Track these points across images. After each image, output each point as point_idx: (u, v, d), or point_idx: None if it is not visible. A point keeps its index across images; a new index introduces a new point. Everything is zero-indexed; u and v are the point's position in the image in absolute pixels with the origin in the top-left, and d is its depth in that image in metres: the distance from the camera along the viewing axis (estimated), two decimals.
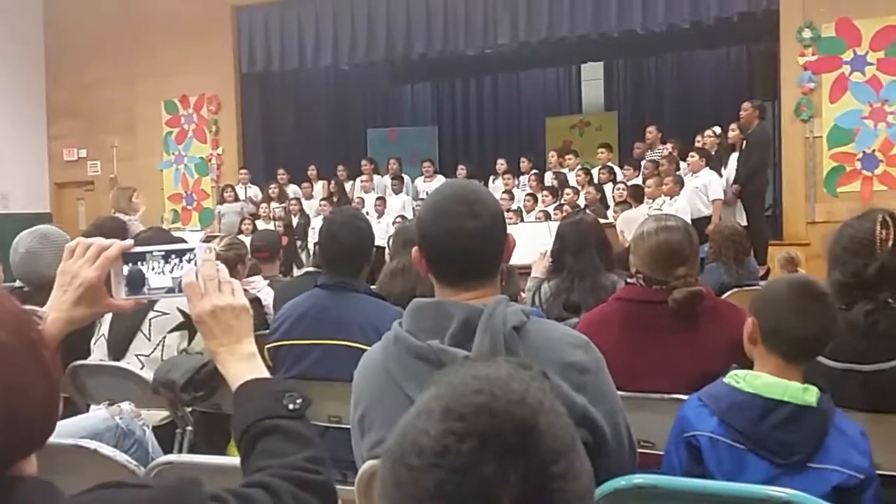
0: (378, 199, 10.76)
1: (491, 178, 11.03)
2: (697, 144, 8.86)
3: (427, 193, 9.11)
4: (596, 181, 9.67)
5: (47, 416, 0.97)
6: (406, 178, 11.50)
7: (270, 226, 9.93)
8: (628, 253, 2.64)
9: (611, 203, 9.13)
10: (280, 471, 1.13)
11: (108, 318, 3.13)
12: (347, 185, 11.67)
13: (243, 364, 1.30)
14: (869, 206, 2.99)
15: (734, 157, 8.50)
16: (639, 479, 1.55)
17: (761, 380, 1.79)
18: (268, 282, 4.45)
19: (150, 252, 1.40)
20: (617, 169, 10.08)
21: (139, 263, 1.40)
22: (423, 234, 1.63)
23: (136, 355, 3.10)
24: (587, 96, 14.64)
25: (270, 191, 11.35)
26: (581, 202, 9.27)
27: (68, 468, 1.73)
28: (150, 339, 3.11)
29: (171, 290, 1.39)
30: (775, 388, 1.76)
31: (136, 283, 1.40)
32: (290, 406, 1.22)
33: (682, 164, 9.06)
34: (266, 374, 1.31)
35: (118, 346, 3.13)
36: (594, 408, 1.51)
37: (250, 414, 1.22)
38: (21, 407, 0.91)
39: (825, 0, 9.01)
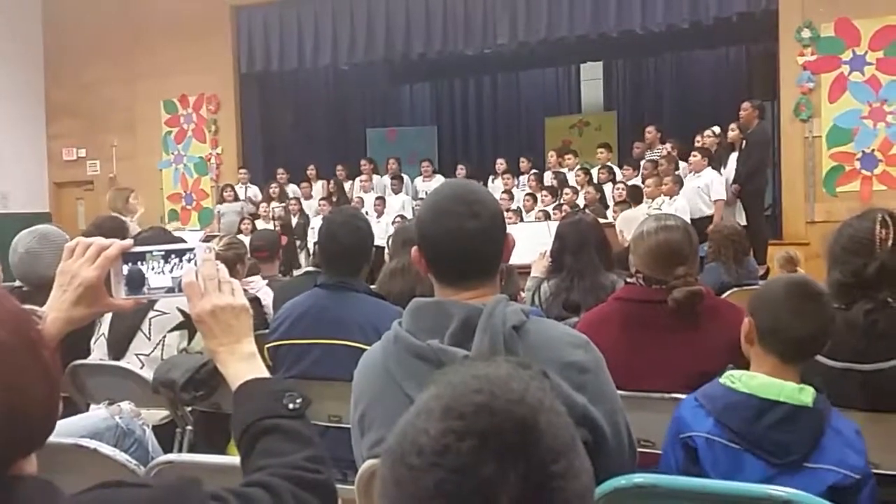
0: (377, 198, 10.77)
1: (490, 177, 11.04)
2: (697, 144, 8.87)
3: (426, 193, 9.12)
4: (595, 181, 9.67)
5: (47, 415, 0.97)
6: (405, 177, 11.51)
7: (270, 226, 9.93)
8: (628, 252, 2.64)
9: (610, 203, 9.14)
10: (280, 470, 1.13)
11: (107, 317, 3.13)
12: (347, 185, 11.67)
13: (243, 364, 1.30)
14: (868, 205, 2.99)
15: (733, 156, 8.51)
16: (639, 478, 1.55)
17: (757, 380, 1.80)
18: (266, 282, 4.45)
19: (150, 252, 1.40)
20: (616, 169, 10.08)
21: (139, 263, 1.40)
22: (423, 233, 1.63)
23: (136, 355, 3.10)
24: (586, 96, 14.64)
25: (271, 190, 11.35)
26: (580, 202, 9.27)
27: (68, 467, 1.73)
28: (149, 339, 3.11)
29: (170, 290, 1.39)
30: (771, 388, 1.76)
31: (135, 282, 1.40)
32: (290, 405, 1.22)
33: (682, 164, 9.09)
34: (266, 373, 1.31)
35: (118, 346, 3.13)
36: (594, 407, 1.51)
37: (250, 413, 1.22)
38: (21, 406, 0.91)
39: (824, 0, 9.01)
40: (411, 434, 0.77)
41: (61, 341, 1.36)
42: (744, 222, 7.82)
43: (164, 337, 3.11)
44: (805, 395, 1.75)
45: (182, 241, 2.70)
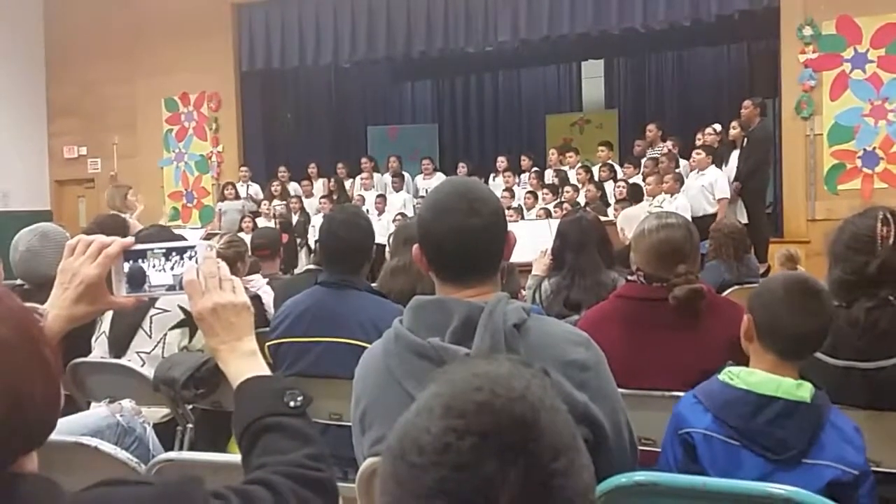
0: (378, 196, 10.77)
1: (491, 175, 11.03)
2: (698, 142, 8.86)
3: (427, 191, 9.13)
4: (596, 179, 9.67)
5: (48, 412, 0.97)
6: (406, 175, 11.50)
7: (271, 224, 9.93)
8: (629, 250, 2.64)
9: (611, 201, 9.13)
10: (281, 468, 1.13)
11: (108, 315, 3.13)
12: (347, 183, 11.66)
13: (244, 361, 1.30)
14: (869, 203, 2.98)
15: (735, 154, 8.50)
16: (640, 476, 1.55)
17: (755, 376, 1.80)
18: (267, 280, 4.45)
19: (151, 249, 1.40)
20: (617, 167, 10.08)
21: (140, 261, 1.39)
22: (424, 231, 1.63)
23: (137, 353, 3.11)
24: (588, 94, 14.63)
25: (273, 188, 11.35)
26: (581, 200, 9.27)
27: (69, 465, 1.73)
28: (150, 337, 3.12)
29: (171, 288, 1.39)
30: (769, 384, 1.77)
31: (136, 280, 1.40)
32: (292, 403, 1.22)
33: (683, 162, 9.08)
34: (267, 371, 1.31)
35: (119, 344, 3.13)
36: (595, 405, 1.51)
37: (251, 411, 1.22)
38: (22, 404, 0.91)
39: None
40: (412, 432, 0.77)
41: (62, 339, 1.36)
42: (745, 220, 7.82)
43: (165, 335, 3.11)
44: (803, 390, 1.75)
45: (183, 238, 2.71)
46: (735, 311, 2.27)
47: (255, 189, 11.70)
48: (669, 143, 9.63)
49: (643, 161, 9.56)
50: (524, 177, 10.76)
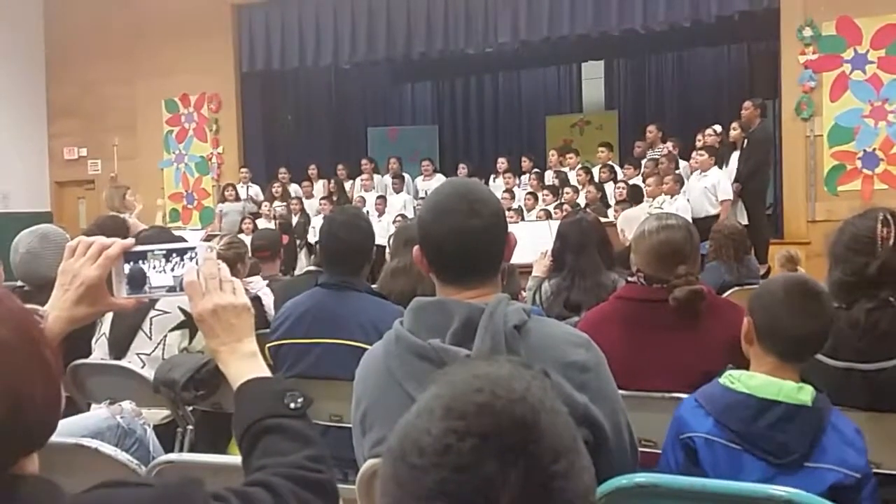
0: (379, 198, 10.77)
1: (492, 176, 11.04)
2: (698, 143, 8.86)
3: (427, 192, 9.12)
4: (596, 180, 9.67)
5: (49, 414, 0.97)
6: (406, 177, 11.51)
7: (271, 225, 9.93)
8: (629, 252, 2.64)
9: (611, 202, 9.14)
10: (281, 470, 1.13)
11: (109, 316, 3.13)
12: (347, 185, 11.67)
13: (244, 363, 1.30)
14: (869, 204, 2.98)
15: (735, 155, 8.50)
16: (640, 477, 1.55)
17: (756, 380, 1.79)
18: (266, 281, 4.44)
19: (152, 251, 1.40)
20: (617, 168, 10.08)
21: (140, 262, 1.39)
22: (424, 232, 1.63)
23: (137, 354, 3.11)
24: (588, 95, 14.63)
25: (274, 190, 11.35)
26: (581, 201, 9.27)
27: (69, 467, 1.73)
28: (150, 338, 3.11)
29: (172, 289, 1.39)
30: (770, 387, 1.76)
31: (137, 281, 1.40)
32: (292, 405, 1.22)
33: (682, 163, 9.08)
34: (267, 373, 1.31)
35: (119, 345, 3.13)
36: (595, 406, 1.51)
37: (252, 413, 1.22)
38: (23, 405, 0.91)
39: None
40: (413, 434, 0.77)
41: (63, 341, 1.36)
42: (745, 221, 7.82)
43: (165, 336, 3.11)
44: (804, 394, 1.75)
45: (183, 240, 2.71)
46: (735, 312, 2.27)
47: (256, 190, 11.70)
48: (669, 145, 9.63)
49: (643, 162, 9.57)
50: (524, 178, 10.76)
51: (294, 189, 11.64)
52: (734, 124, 8.61)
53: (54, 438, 0.99)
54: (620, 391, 1.66)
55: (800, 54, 9.16)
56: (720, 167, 8.42)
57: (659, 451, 1.99)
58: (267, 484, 1.10)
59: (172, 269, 1.38)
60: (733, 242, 5.31)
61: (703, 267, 4.93)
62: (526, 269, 3.93)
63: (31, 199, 12.79)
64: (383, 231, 8.38)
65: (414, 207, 10.44)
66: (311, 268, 4.68)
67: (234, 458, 1.40)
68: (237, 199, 11.26)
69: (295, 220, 10.80)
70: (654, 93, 14.04)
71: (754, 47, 11.93)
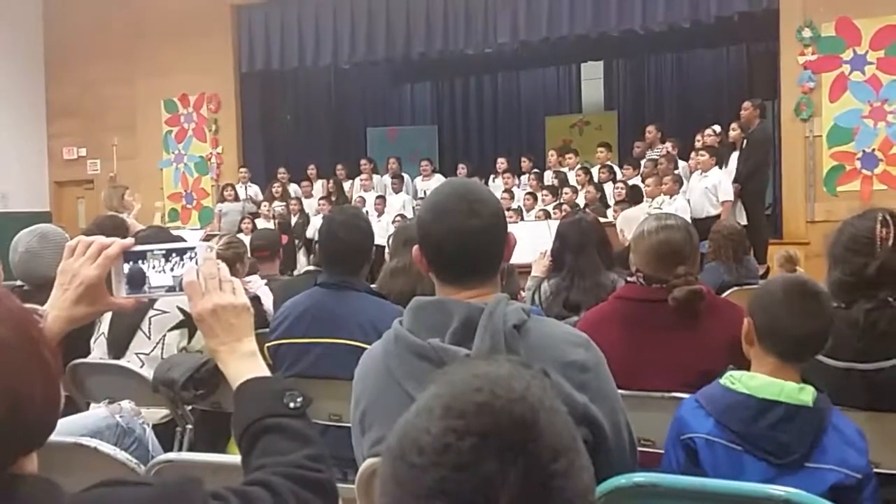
0: (378, 198, 10.77)
1: (491, 177, 11.04)
2: (698, 143, 8.86)
3: (426, 192, 9.13)
4: (596, 180, 9.67)
5: (48, 413, 0.97)
6: (406, 177, 11.51)
7: (270, 225, 9.93)
8: (628, 252, 2.64)
9: (611, 202, 9.14)
10: (281, 469, 1.13)
11: (108, 316, 3.13)
12: (346, 185, 11.66)
13: (244, 362, 1.30)
14: (869, 205, 2.99)
15: (734, 156, 8.51)
16: (639, 477, 1.55)
17: (756, 380, 1.80)
18: (265, 281, 4.44)
19: (151, 251, 1.40)
20: (616, 168, 10.09)
21: (140, 262, 1.39)
22: (424, 232, 1.63)
23: (136, 354, 3.11)
24: (587, 95, 14.62)
25: (274, 190, 11.35)
26: (581, 201, 9.27)
27: (69, 466, 1.73)
28: (150, 338, 3.11)
29: (171, 289, 1.39)
30: (770, 388, 1.76)
31: (136, 281, 1.40)
32: (291, 404, 1.22)
33: (682, 164, 9.09)
34: (267, 372, 1.31)
35: (118, 345, 3.13)
36: (595, 406, 1.51)
37: (251, 412, 1.22)
38: (22, 404, 0.91)
39: None
40: (412, 433, 0.77)
41: (62, 340, 1.36)
42: (744, 221, 7.83)
43: (164, 336, 3.11)
44: (805, 394, 1.75)
45: (182, 240, 2.71)
46: (734, 312, 2.27)
47: (255, 190, 11.70)
48: (669, 145, 9.63)
49: (642, 162, 9.57)
50: (524, 178, 10.76)
51: (293, 189, 11.64)
52: (733, 125, 8.62)
53: (53, 437, 0.99)
54: (620, 391, 1.66)
55: (799, 55, 9.16)
56: (720, 168, 8.42)
57: (658, 451, 1.99)
58: (266, 483, 1.10)
59: (172, 269, 1.38)
60: (732, 243, 5.31)
61: (703, 267, 4.93)
62: (525, 269, 3.93)
63: (31, 199, 12.78)
64: (382, 231, 8.38)
65: (413, 207, 10.44)
66: (311, 267, 4.68)
67: (234, 458, 1.40)
68: (236, 199, 11.26)
69: (294, 220, 10.80)
70: (654, 93, 14.03)
71: (753, 48, 11.94)
